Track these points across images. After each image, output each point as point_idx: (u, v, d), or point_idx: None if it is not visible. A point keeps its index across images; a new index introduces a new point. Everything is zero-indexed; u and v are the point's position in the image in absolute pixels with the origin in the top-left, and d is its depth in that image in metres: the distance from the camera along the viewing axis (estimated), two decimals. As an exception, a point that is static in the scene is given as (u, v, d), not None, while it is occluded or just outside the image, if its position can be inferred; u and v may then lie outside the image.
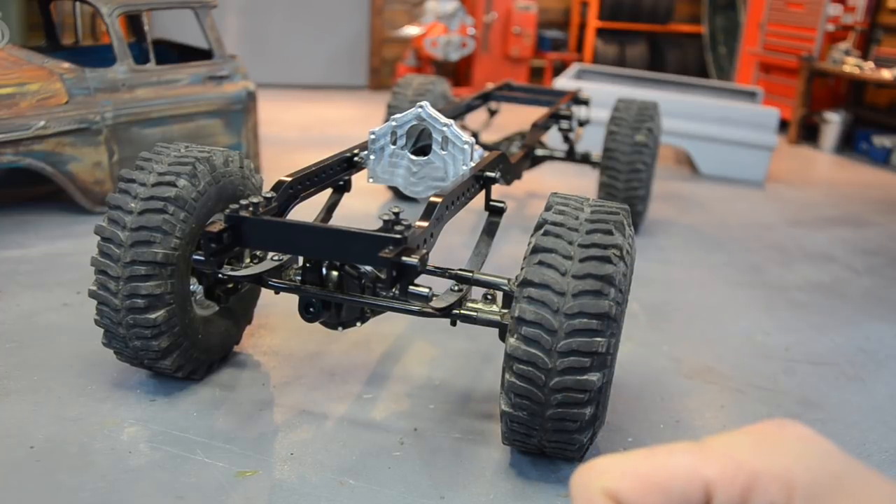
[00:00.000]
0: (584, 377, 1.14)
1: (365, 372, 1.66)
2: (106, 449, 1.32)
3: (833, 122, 4.88)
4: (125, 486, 1.24)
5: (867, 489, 0.28)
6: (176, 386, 1.53)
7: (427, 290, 1.33)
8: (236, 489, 1.24)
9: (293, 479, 1.28)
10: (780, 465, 0.28)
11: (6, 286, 1.98)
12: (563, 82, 3.95)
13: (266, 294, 1.73)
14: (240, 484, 1.26)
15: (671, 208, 3.23)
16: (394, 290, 1.38)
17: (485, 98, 3.01)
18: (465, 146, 1.63)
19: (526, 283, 1.16)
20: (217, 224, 1.33)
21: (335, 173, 1.66)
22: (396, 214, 1.26)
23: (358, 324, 1.54)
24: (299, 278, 1.47)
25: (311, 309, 1.41)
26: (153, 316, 1.38)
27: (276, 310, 1.88)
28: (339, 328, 1.51)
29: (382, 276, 1.36)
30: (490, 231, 1.64)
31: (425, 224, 1.31)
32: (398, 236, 1.22)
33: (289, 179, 1.47)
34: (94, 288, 1.40)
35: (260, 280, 1.47)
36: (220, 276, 1.50)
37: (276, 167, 3.18)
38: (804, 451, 0.29)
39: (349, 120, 4.72)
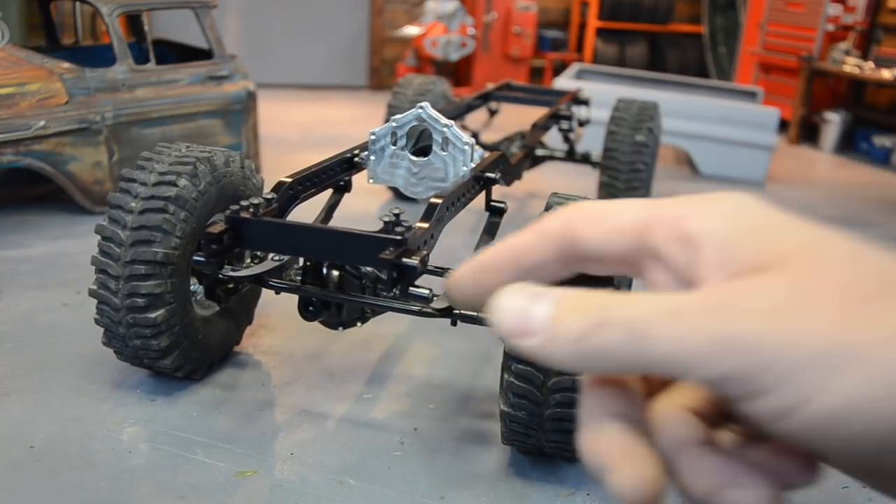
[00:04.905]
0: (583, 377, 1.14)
1: (365, 372, 1.66)
2: (106, 449, 1.33)
3: (833, 122, 4.88)
4: (125, 485, 1.24)
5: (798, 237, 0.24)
6: (176, 386, 1.53)
7: (427, 291, 1.33)
8: (236, 489, 1.25)
9: (293, 479, 1.28)
10: (677, 211, 0.25)
11: (6, 286, 1.98)
12: (563, 82, 3.94)
13: (266, 294, 1.73)
14: (240, 484, 1.26)
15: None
16: (394, 290, 1.38)
17: (485, 98, 3.00)
18: (466, 147, 1.63)
19: (526, 283, 1.16)
20: (218, 225, 1.33)
21: (336, 174, 1.66)
22: (397, 216, 1.26)
23: (358, 324, 1.54)
24: (300, 278, 1.47)
25: (311, 308, 1.41)
26: (153, 315, 1.38)
27: (276, 310, 1.88)
28: (340, 328, 1.51)
29: (383, 276, 1.36)
30: (490, 231, 1.64)
31: (426, 225, 1.31)
32: (398, 238, 1.22)
33: (289, 180, 1.47)
34: (95, 287, 1.40)
35: (260, 280, 1.47)
36: (220, 276, 1.50)
37: (276, 167, 3.18)
38: (724, 205, 0.26)
39: (349, 120, 4.72)
